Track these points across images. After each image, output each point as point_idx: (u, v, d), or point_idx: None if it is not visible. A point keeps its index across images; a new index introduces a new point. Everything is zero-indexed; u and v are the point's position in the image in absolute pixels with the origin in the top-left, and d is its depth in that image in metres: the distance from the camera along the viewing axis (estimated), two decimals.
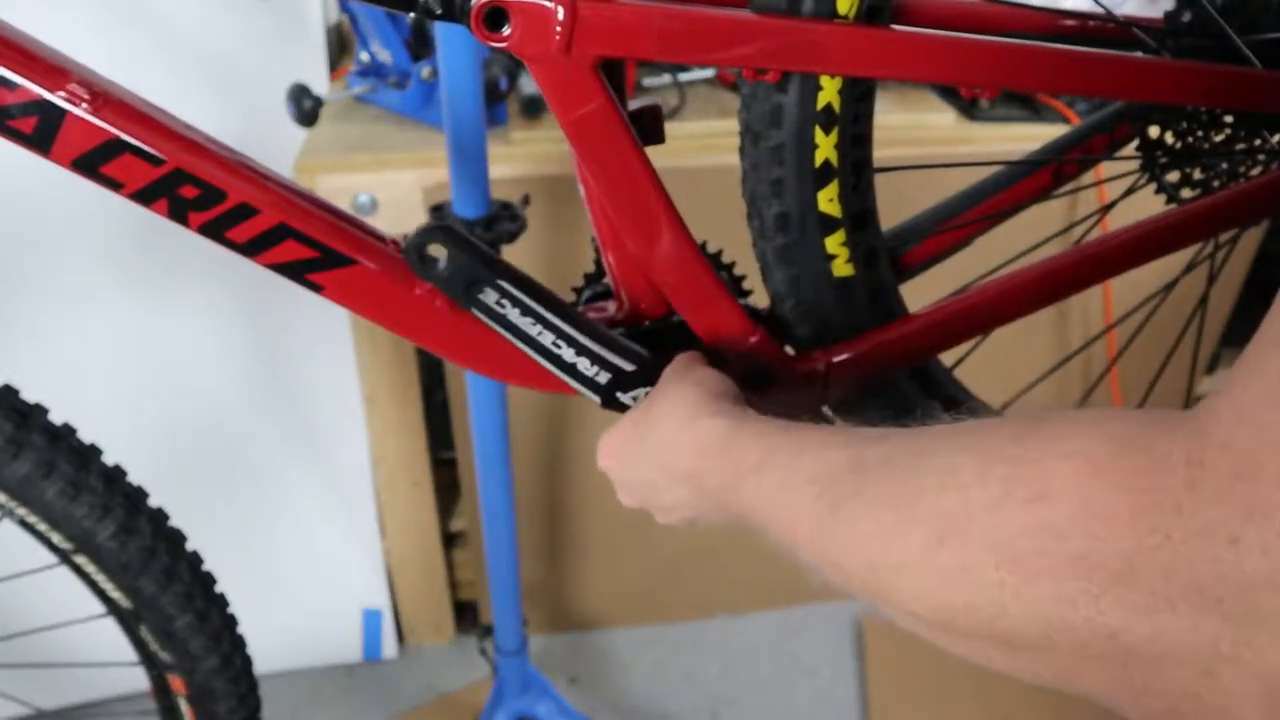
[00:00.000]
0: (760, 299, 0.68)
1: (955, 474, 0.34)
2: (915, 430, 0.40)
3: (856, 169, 0.60)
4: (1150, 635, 0.28)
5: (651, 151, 0.58)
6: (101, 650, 0.83)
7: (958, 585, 0.33)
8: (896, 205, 0.70)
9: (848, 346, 0.65)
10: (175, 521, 0.75)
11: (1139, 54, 0.66)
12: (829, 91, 0.57)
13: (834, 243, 0.62)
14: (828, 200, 0.60)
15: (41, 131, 0.51)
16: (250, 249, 0.56)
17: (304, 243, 0.56)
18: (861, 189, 0.61)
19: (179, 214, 0.54)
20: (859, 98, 0.58)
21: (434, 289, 0.59)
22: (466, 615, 1.69)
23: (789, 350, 0.66)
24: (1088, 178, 0.78)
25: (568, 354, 0.60)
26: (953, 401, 0.74)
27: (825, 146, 0.58)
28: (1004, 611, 0.32)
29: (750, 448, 0.47)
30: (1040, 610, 0.31)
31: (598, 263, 0.67)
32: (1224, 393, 0.29)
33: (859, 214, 0.62)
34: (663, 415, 0.54)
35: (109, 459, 0.71)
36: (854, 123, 0.58)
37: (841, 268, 0.63)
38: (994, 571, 0.32)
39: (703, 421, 0.51)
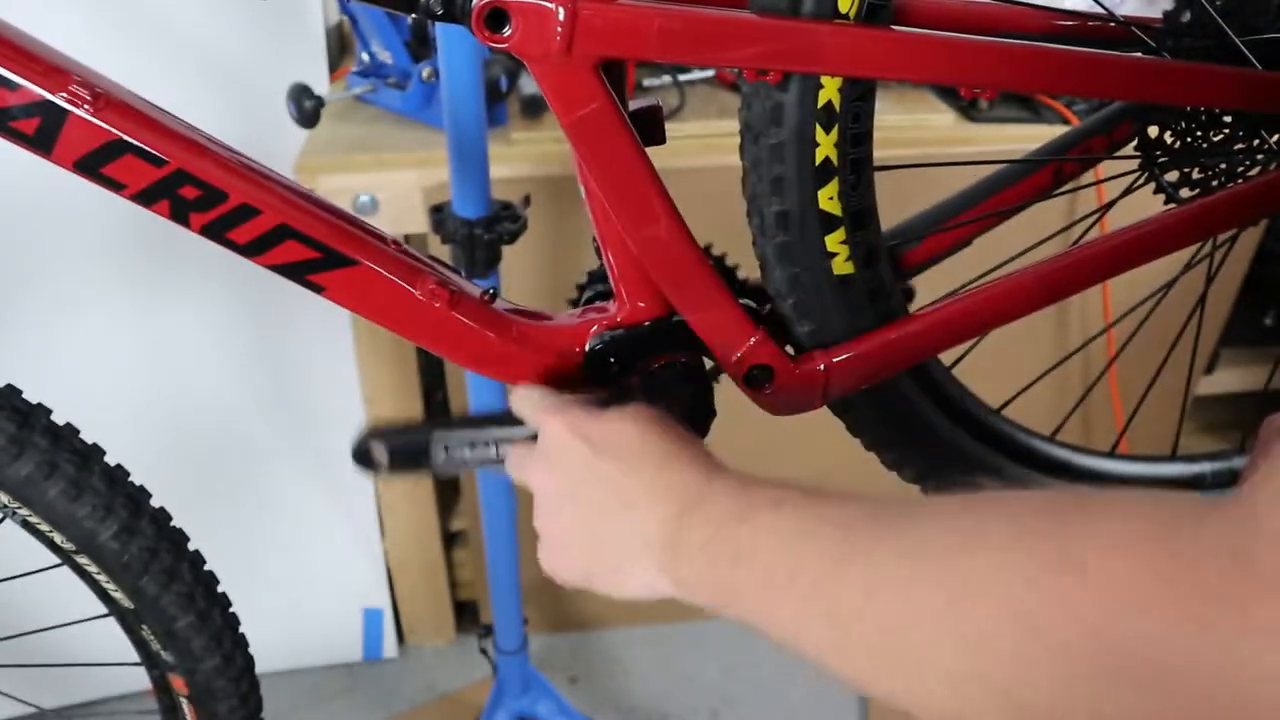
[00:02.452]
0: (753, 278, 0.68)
1: (984, 537, 0.33)
2: (934, 497, 0.38)
3: (857, 167, 0.60)
4: None
5: (652, 152, 0.58)
6: (103, 650, 0.83)
7: (972, 651, 0.31)
8: (896, 205, 0.70)
9: (848, 347, 0.65)
10: (176, 522, 0.75)
11: (1138, 54, 0.66)
12: (830, 90, 0.57)
13: (834, 241, 0.62)
14: (828, 198, 0.60)
15: (43, 133, 0.51)
16: (252, 250, 0.56)
17: (305, 243, 0.56)
18: (862, 187, 0.61)
19: (180, 215, 0.54)
20: (860, 96, 0.58)
21: (436, 289, 0.59)
22: (466, 615, 1.69)
23: (789, 351, 0.66)
24: (1087, 178, 0.78)
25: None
26: (950, 400, 0.74)
27: (826, 144, 0.58)
28: (1017, 683, 0.30)
29: (764, 488, 0.46)
30: (1053, 687, 0.29)
31: (599, 264, 0.67)
32: (1270, 480, 0.28)
33: (859, 212, 0.62)
34: (664, 450, 0.51)
35: (111, 459, 0.71)
36: (854, 121, 0.58)
37: (841, 266, 0.63)
38: (1010, 640, 0.30)
39: (714, 464, 0.49)
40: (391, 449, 0.62)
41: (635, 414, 0.53)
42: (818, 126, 0.57)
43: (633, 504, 0.50)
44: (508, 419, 0.61)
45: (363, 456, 0.62)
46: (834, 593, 0.38)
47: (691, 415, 0.66)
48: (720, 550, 0.45)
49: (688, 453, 0.51)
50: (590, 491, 0.52)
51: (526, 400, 0.58)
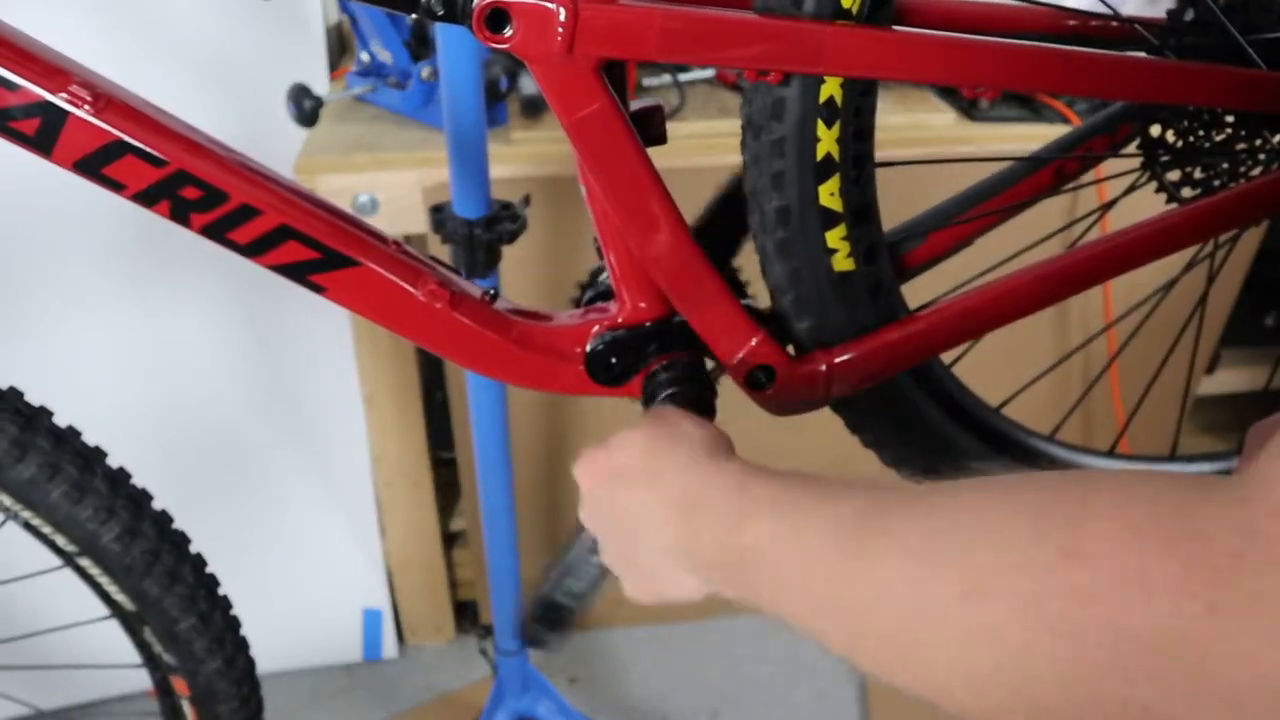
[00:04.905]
0: (761, 294, 0.68)
1: (987, 529, 0.33)
2: (938, 484, 0.38)
3: (858, 163, 0.60)
4: (1186, 713, 0.26)
5: (652, 152, 0.58)
6: (104, 651, 0.83)
7: (985, 645, 0.31)
8: (897, 205, 0.70)
9: (849, 347, 0.65)
10: (178, 523, 0.75)
11: (1141, 54, 0.66)
12: (831, 85, 0.56)
13: (835, 237, 0.62)
14: (829, 194, 0.60)
15: (44, 133, 0.51)
16: (252, 250, 0.56)
17: (306, 244, 0.56)
18: (863, 184, 0.61)
19: (181, 215, 0.54)
20: (861, 92, 0.58)
21: (436, 290, 0.59)
22: (466, 615, 1.69)
23: (790, 351, 0.66)
24: (1089, 177, 0.78)
25: None
26: (949, 398, 0.74)
27: (827, 140, 0.58)
28: (1032, 677, 0.30)
29: (762, 485, 0.46)
30: (1069, 678, 0.29)
31: (600, 264, 0.67)
32: (1272, 458, 0.28)
33: (860, 209, 0.62)
34: (671, 455, 0.52)
35: (113, 461, 0.71)
36: (856, 116, 0.58)
37: (842, 262, 0.63)
38: (1023, 633, 0.30)
39: (708, 463, 0.50)
40: (544, 624, 0.68)
41: (635, 434, 0.55)
42: (819, 122, 0.57)
43: (648, 523, 0.51)
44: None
45: (534, 641, 0.68)
46: (846, 593, 0.38)
47: None
48: (728, 557, 0.46)
49: (682, 457, 0.51)
50: (618, 524, 0.55)
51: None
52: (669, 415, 0.56)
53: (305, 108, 1.17)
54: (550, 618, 0.67)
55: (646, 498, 0.52)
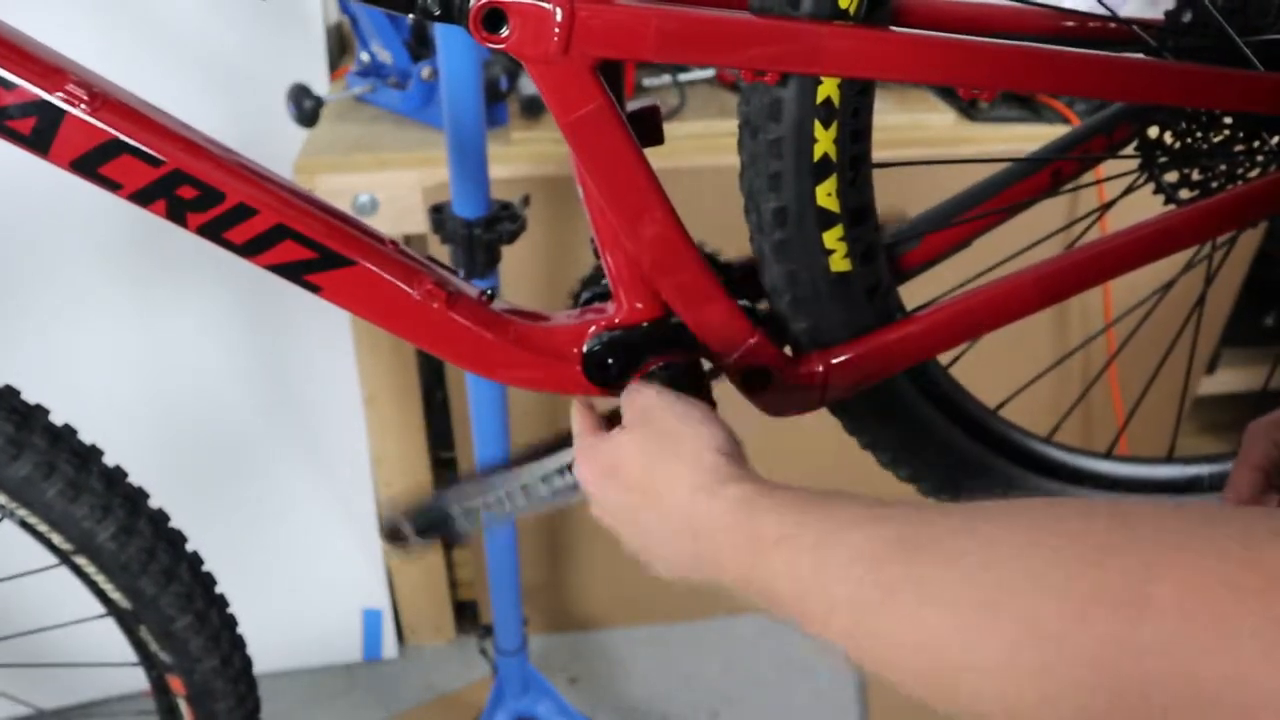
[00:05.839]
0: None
1: (1034, 576, 0.31)
2: (959, 509, 0.36)
3: (855, 164, 0.60)
4: None
5: (650, 152, 0.58)
6: (100, 650, 0.83)
7: (1040, 684, 0.30)
8: (896, 204, 0.70)
9: (847, 348, 0.65)
10: (175, 522, 0.75)
11: (1139, 55, 0.66)
12: (828, 86, 0.56)
13: (832, 238, 0.62)
14: (826, 195, 0.60)
15: (40, 132, 0.51)
16: (248, 250, 0.56)
17: (302, 243, 0.56)
18: (860, 184, 0.61)
19: (177, 215, 0.54)
20: (859, 92, 0.58)
21: (433, 290, 0.59)
22: (466, 615, 1.69)
23: (788, 352, 0.66)
24: (1087, 178, 0.78)
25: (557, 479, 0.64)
26: (947, 400, 0.74)
27: (824, 141, 0.58)
28: (1088, 711, 0.29)
29: (773, 520, 0.43)
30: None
31: (597, 265, 0.67)
32: None
33: (857, 209, 0.62)
34: (671, 478, 0.50)
35: (109, 460, 0.71)
36: (853, 117, 0.58)
37: (839, 263, 0.63)
38: (1083, 671, 0.29)
39: (718, 490, 0.47)
40: (420, 524, 0.67)
41: (633, 442, 0.53)
42: (816, 122, 0.57)
43: (657, 541, 0.51)
44: (534, 455, 0.63)
45: (392, 538, 0.67)
46: (875, 636, 0.36)
47: None
48: (744, 586, 0.45)
49: (683, 481, 0.49)
50: (630, 524, 0.53)
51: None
52: (663, 419, 0.53)
53: (305, 108, 1.17)
54: (436, 525, 0.66)
55: (649, 517, 0.50)
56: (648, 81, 1.34)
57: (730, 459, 0.50)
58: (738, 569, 0.45)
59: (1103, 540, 0.31)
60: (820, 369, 0.65)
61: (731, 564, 0.45)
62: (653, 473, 0.51)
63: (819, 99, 0.57)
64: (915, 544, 0.36)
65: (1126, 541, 0.30)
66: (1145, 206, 0.70)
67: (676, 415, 0.53)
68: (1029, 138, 1.27)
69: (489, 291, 0.63)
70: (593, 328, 0.64)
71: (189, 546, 0.76)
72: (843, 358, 0.65)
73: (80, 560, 0.71)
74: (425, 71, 1.19)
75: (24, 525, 0.69)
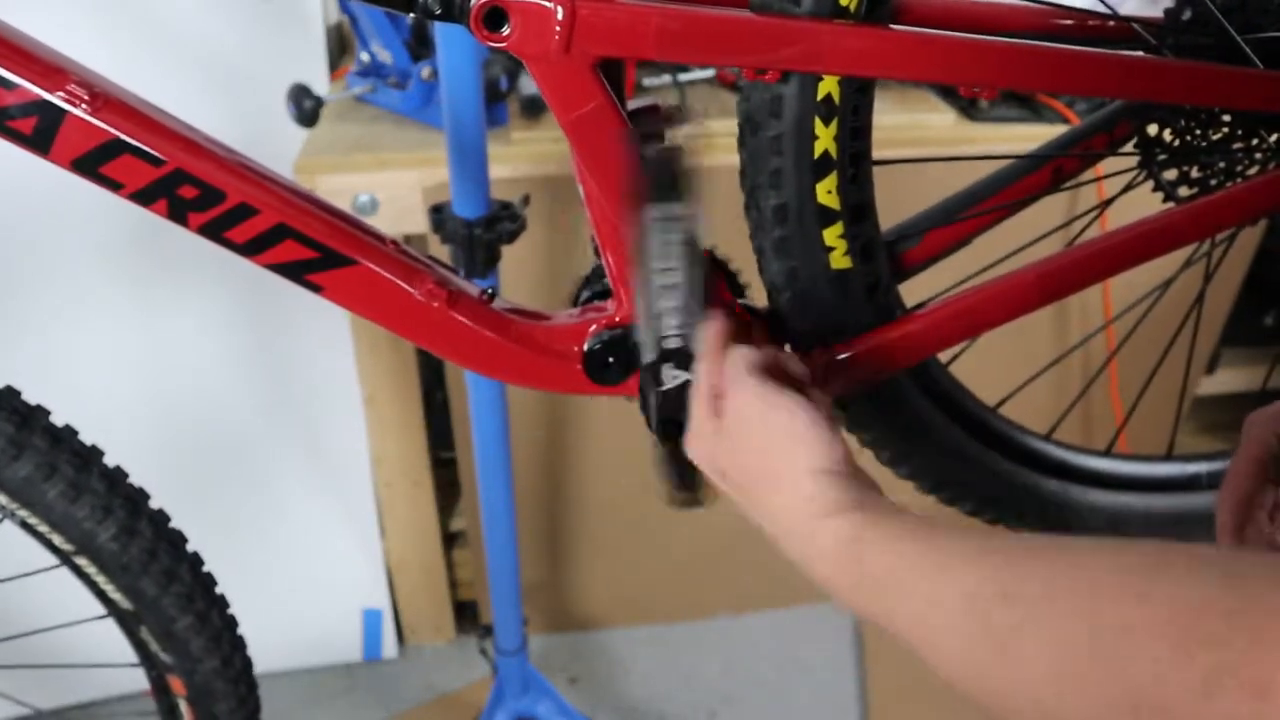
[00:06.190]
0: (759, 297, 0.68)
1: (1143, 646, 0.31)
2: (1064, 546, 0.37)
3: (855, 161, 0.60)
4: None
5: None
6: (101, 651, 0.83)
7: None
8: (896, 204, 0.70)
9: (848, 346, 0.65)
10: (175, 522, 0.75)
11: (1139, 53, 0.66)
12: (829, 82, 0.56)
13: (832, 235, 0.62)
14: (826, 192, 0.60)
15: (41, 132, 0.51)
16: (249, 249, 0.56)
17: (303, 243, 0.56)
18: (860, 181, 0.61)
19: (179, 214, 0.54)
20: (859, 89, 0.58)
21: (434, 289, 0.59)
22: (466, 615, 1.69)
23: (788, 349, 0.66)
24: (1087, 176, 0.78)
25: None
26: (947, 397, 0.74)
27: (824, 138, 0.58)
28: None
29: (883, 565, 0.44)
30: None
31: (597, 264, 0.67)
32: None
33: (857, 206, 0.62)
34: (773, 508, 0.50)
35: (110, 460, 0.71)
36: (853, 114, 0.58)
37: (839, 260, 0.63)
38: None
39: (819, 527, 0.47)
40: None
41: (734, 444, 0.52)
42: (817, 119, 0.57)
43: (772, 518, 0.51)
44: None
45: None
46: (987, 677, 0.37)
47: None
48: (859, 612, 0.45)
49: (799, 478, 0.49)
50: (740, 492, 0.53)
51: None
52: (759, 435, 0.51)
53: (305, 108, 1.17)
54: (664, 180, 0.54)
55: (767, 498, 0.50)
56: (648, 81, 1.34)
57: (832, 478, 0.48)
58: (850, 599, 0.46)
59: (1219, 605, 0.30)
60: (820, 367, 0.65)
61: (844, 593, 0.46)
62: (754, 494, 0.51)
63: (819, 95, 0.57)
64: (1020, 589, 0.37)
65: (1244, 604, 0.30)
66: (1145, 204, 0.71)
67: (771, 429, 0.51)
68: (1029, 137, 1.27)
69: (489, 291, 0.63)
70: (593, 327, 0.64)
71: (189, 547, 0.76)
72: (843, 355, 0.65)
73: (81, 561, 0.71)
74: (425, 71, 1.19)
75: (25, 526, 0.69)
